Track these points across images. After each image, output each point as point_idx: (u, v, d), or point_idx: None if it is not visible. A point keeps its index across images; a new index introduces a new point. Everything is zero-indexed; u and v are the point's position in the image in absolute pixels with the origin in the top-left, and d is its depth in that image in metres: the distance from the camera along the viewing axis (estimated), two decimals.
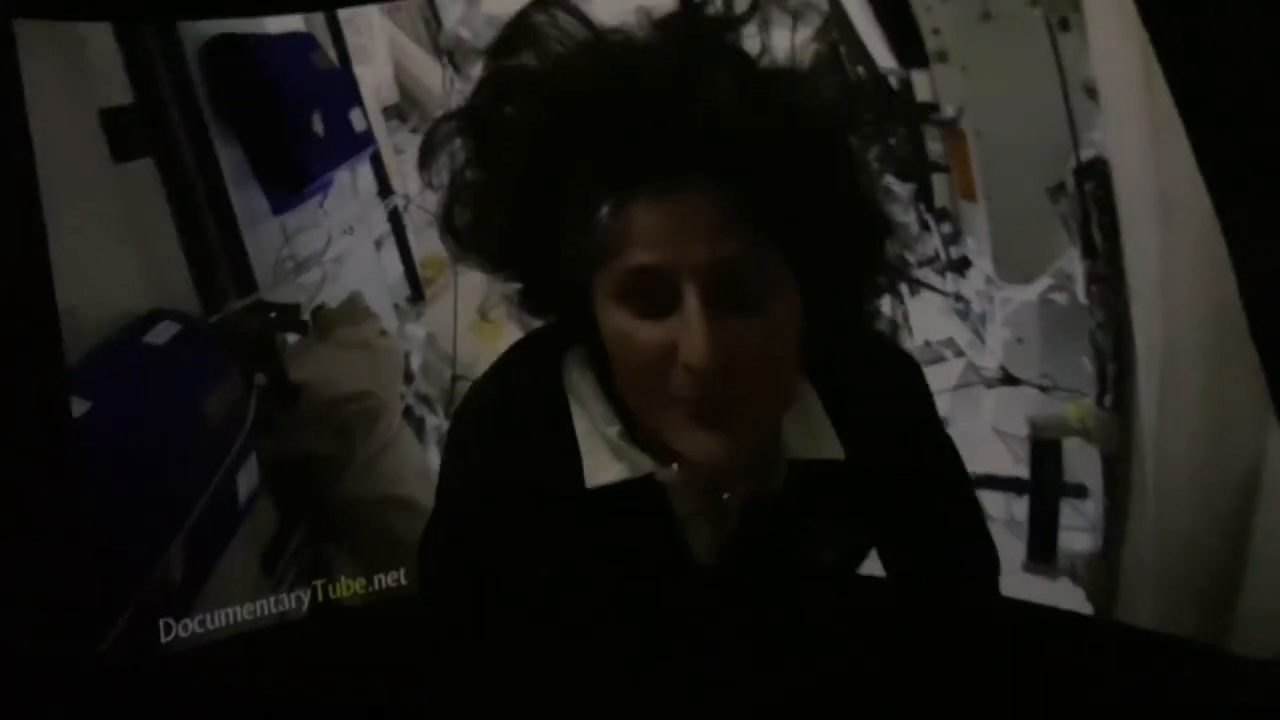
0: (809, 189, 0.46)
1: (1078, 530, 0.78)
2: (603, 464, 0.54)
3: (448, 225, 0.52)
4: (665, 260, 0.45)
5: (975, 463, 0.95)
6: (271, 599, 0.66)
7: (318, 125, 0.88)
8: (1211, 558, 0.64)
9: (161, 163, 0.76)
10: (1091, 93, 0.69)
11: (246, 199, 0.85)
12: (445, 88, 1.27)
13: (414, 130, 1.30)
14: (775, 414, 0.53)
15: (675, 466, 0.54)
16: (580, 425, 0.55)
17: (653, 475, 0.54)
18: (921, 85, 1.14)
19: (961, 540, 0.65)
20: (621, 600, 0.62)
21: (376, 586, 0.68)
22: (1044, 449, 0.77)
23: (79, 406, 0.59)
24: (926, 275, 1.18)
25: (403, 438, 0.91)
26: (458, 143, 0.52)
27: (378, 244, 1.09)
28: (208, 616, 0.64)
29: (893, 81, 1.21)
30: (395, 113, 1.27)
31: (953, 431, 1.03)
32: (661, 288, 0.46)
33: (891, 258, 0.53)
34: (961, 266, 1.18)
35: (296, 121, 0.86)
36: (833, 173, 0.49)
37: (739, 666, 0.62)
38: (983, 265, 1.14)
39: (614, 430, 0.54)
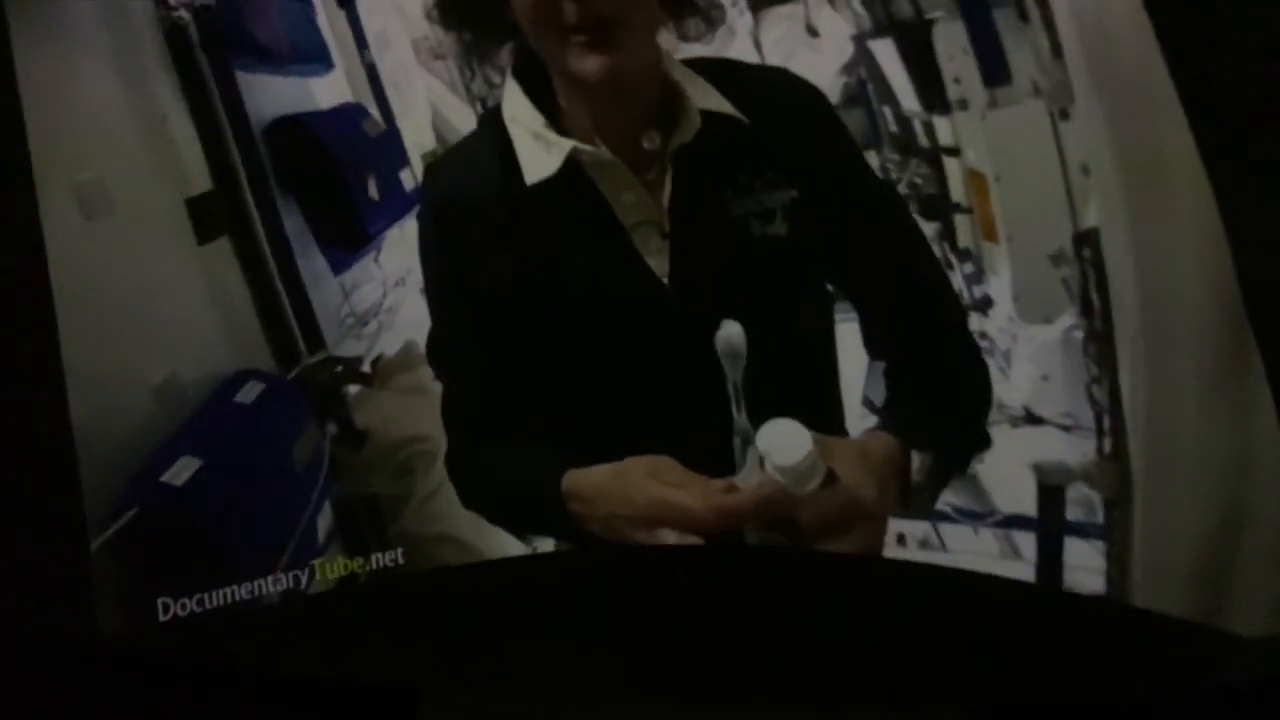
0: None
1: (1084, 569, 0.92)
2: (537, 159, 0.67)
3: None
4: None
5: (1004, 502, 1.08)
6: (270, 578, 0.75)
7: (373, 190, 1.04)
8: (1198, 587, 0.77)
9: (237, 239, 0.92)
10: (1085, 171, 0.83)
11: (309, 262, 1.01)
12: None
13: None
14: (646, 36, 0.67)
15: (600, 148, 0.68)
16: (516, 138, 0.69)
17: (581, 162, 0.67)
18: (944, 130, 1.27)
19: (896, 246, 0.79)
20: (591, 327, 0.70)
21: (374, 566, 0.78)
22: (1049, 494, 0.91)
23: (191, 465, 0.75)
24: None
25: None
26: None
27: (424, 292, 1.25)
28: (206, 596, 0.71)
29: (917, 125, 1.35)
30: (432, 157, 1.43)
31: (979, 469, 1.17)
32: None
33: None
34: (985, 306, 1.31)
35: (353, 189, 1.02)
36: None
37: (737, 647, 0.70)
38: (1005, 305, 1.26)
39: (539, 123, 0.68)
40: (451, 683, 0.72)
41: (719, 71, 0.74)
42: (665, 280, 0.70)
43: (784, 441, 0.60)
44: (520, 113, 0.70)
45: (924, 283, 0.80)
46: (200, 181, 0.89)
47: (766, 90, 0.75)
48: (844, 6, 1.41)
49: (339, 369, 0.97)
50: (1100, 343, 0.88)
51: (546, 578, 0.74)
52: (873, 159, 1.50)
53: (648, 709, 0.70)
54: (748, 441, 0.62)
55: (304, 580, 0.76)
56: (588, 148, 0.67)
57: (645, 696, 0.70)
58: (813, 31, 1.47)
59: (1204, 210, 0.76)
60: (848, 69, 1.46)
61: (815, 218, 0.73)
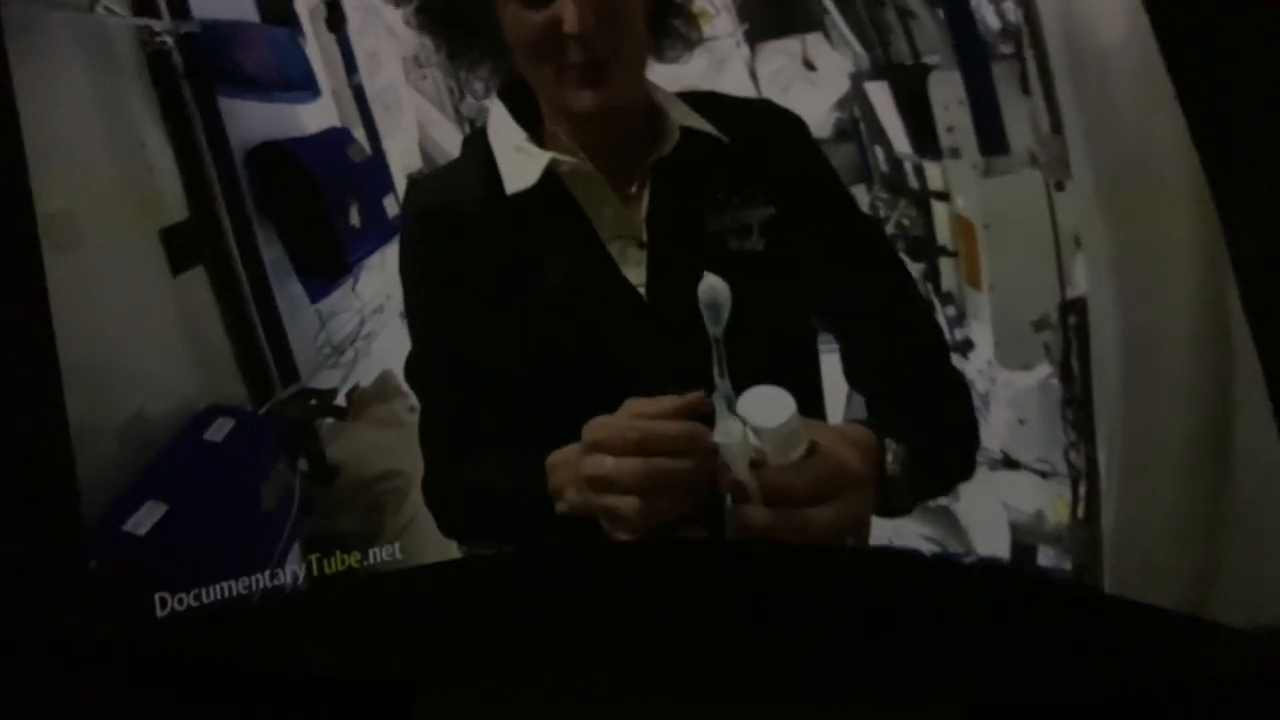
0: None
1: None
2: (517, 170, 0.69)
3: None
4: None
5: (980, 543, 1.08)
6: (266, 573, 0.73)
7: (355, 217, 1.02)
8: None
9: (212, 269, 0.90)
10: (1078, 242, 0.82)
11: (286, 289, 0.98)
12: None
13: None
14: (637, 71, 0.70)
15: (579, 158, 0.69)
16: (498, 152, 0.70)
17: (560, 174, 0.69)
18: (934, 175, 1.27)
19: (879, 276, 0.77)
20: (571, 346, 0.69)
21: (371, 560, 0.77)
22: (1022, 553, 0.91)
23: (156, 512, 0.73)
24: None
25: (424, 514, 1.05)
26: None
27: (403, 309, 1.23)
28: (203, 591, 0.70)
29: (907, 167, 1.35)
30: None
31: (958, 509, 1.16)
32: None
33: None
34: (965, 348, 1.31)
35: (335, 216, 1.00)
36: None
37: (722, 638, 0.69)
38: (985, 349, 1.26)
39: (520, 137, 0.69)
40: (449, 679, 0.71)
41: (702, 98, 0.76)
42: (642, 291, 0.70)
43: (766, 406, 0.58)
44: (503, 128, 0.72)
45: (905, 313, 0.79)
46: (176, 210, 0.87)
47: (748, 114, 0.76)
48: (841, 44, 1.40)
49: (313, 402, 0.95)
50: (1079, 409, 0.87)
51: (544, 574, 0.73)
52: (862, 195, 1.50)
53: (644, 706, 0.70)
54: (730, 404, 0.59)
55: (299, 576, 0.75)
56: (567, 159, 0.69)
57: (642, 693, 0.69)
58: (810, 66, 1.46)
59: (1197, 285, 0.76)
60: (842, 104, 1.46)
61: (793, 237, 0.72)
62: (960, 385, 0.82)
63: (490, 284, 0.71)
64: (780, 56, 1.45)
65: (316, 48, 1.07)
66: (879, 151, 1.39)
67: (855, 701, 0.70)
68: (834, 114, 1.45)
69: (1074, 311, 0.84)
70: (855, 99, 1.39)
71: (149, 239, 0.84)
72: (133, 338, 0.81)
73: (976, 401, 1.32)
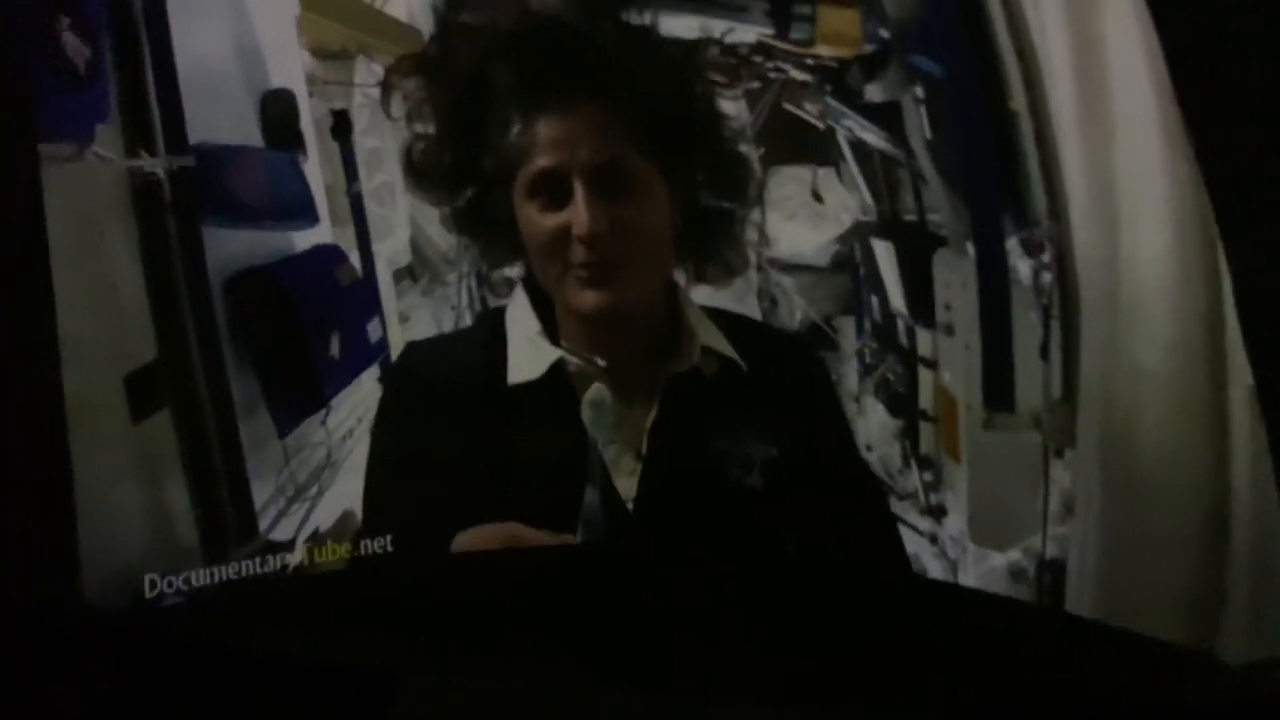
0: (663, 107, 0.65)
1: None
2: (524, 362, 0.68)
3: (407, 164, 0.69)
4: (560, 162, 0.62)
5: None
6: (258, 559, 0.71)
7: (335, 348, 0.95)
8: None
9: (178, 413, 0.82)
10: (1068, 507, 0.80)
11: (253, 426, 0.91)
12: (459, 251, 1.34)
13: (424, 293, 1.36)
14: (651, 279, 0.68)
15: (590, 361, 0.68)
16: (511, 339, 0.70)
17: (567, 371, 0.67)
18: (925, 341, 1.24)
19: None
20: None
21: (362, 551, 0.72)
22: None
23: None
24: (905, 510, 1.32)
25: None
26: (410, 85, 0.68)
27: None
28: (193, 575, 0.68)
29: (900, 324, 1.32)
30: (406, 273, 1.33)
31: None
32: (559, 184, 0.63)
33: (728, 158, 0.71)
34: (939, 513, 1.29)
35: (315, 348, 0.92)
36: (681, 96, 0.68)
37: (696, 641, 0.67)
38: (959, 516, 1.25)
39: (534, 329, 0.69)
40: (433, 667, 0.67)
41: (731, 318, 0.74)
42: (630, 506, 0.67)
43: None
44: (520, 317, 0.70)
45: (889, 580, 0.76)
46: (143, 353, 0.79)
47: (772, 344, 0.75)
48: (851, 185, 1.37)
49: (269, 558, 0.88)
50: None
51: (535, 567, 0.68)
52: (850, 330, 1.48)
53: (632, 702, 0.67)
54: None
55: (289, 562, 0.72)
56: (574, 360, 0.68)
57: (630, 690, 0.67)
58: (817, 197, 1.43)
59: (1195, 556, 0.74)
60: (843, 239, 1.43)
61: (789, 481, 0.70)
62: None
63: (467, 468, 0.67)
64: (790, 183, 1.42)
65: (317, 154, 1.00)
66: (874, 301, 1.36)
67: (837, 705, 0.67)
68: (834, 246, 1.43)
69: (1050, 571, 0.82)
70: (857, 240, 1.36)
71: (111, 387, 0.76)
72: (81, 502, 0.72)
73: (945, 566, 1.31)
